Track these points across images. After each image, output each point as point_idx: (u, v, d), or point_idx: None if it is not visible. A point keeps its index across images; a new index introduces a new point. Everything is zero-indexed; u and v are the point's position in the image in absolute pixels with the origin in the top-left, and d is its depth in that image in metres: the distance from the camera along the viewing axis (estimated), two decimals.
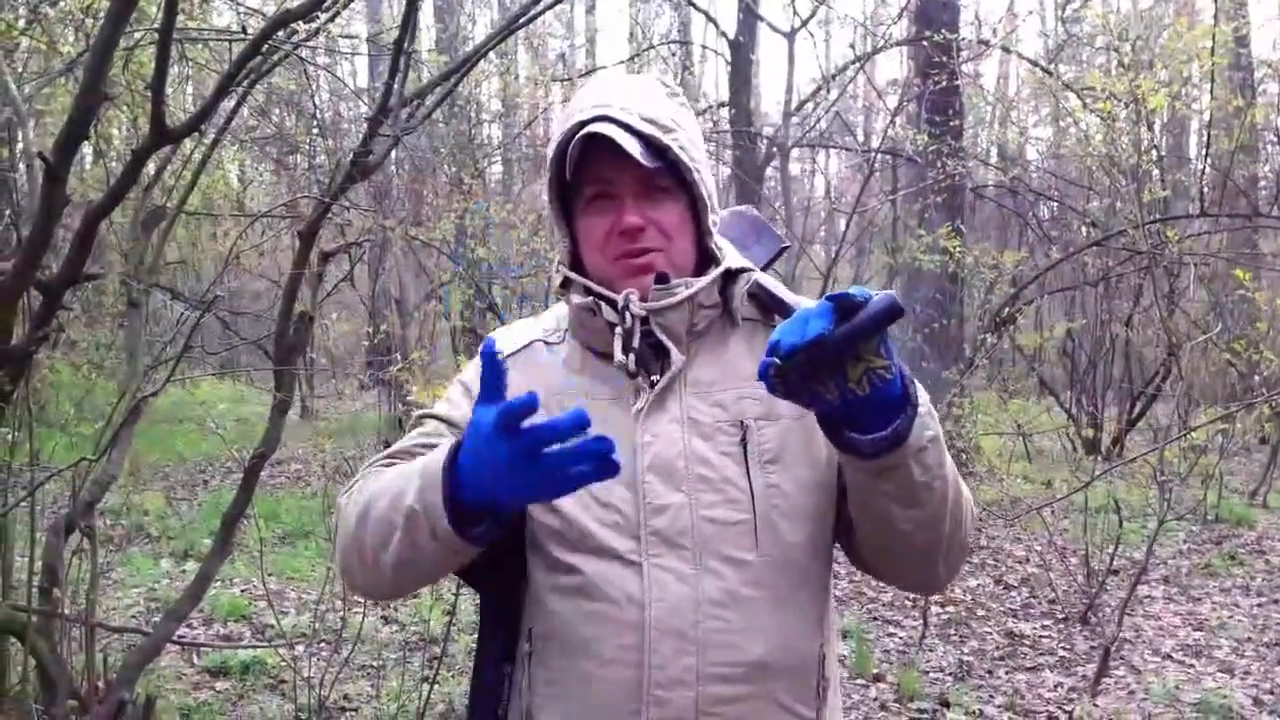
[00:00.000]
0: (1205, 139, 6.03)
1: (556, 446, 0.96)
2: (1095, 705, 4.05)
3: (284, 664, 4.19)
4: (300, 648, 4.39)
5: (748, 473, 1.20)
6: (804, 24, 5.35)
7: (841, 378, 1.00)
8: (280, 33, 2.91)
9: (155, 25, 2.75)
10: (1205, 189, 5.71)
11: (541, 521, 1.22)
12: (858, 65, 6.24)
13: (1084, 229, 7.29)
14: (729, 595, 1.17)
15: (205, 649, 4.55)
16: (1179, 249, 5.69)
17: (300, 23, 2.66)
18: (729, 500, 1.19)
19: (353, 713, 4.01)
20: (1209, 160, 5.89)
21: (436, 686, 4.04)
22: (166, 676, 4.26)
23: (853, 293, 0.98)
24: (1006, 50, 8.07)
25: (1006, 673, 4.50)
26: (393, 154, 7.87)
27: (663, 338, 1.23)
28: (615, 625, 1.17)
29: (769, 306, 1.30)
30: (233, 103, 3.91)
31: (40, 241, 2.18)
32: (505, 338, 1.36)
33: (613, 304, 1.23)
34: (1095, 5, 9.12)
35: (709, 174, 1.29)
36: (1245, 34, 9.71)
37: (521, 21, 3.31)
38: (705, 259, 1.28)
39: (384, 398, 9.37)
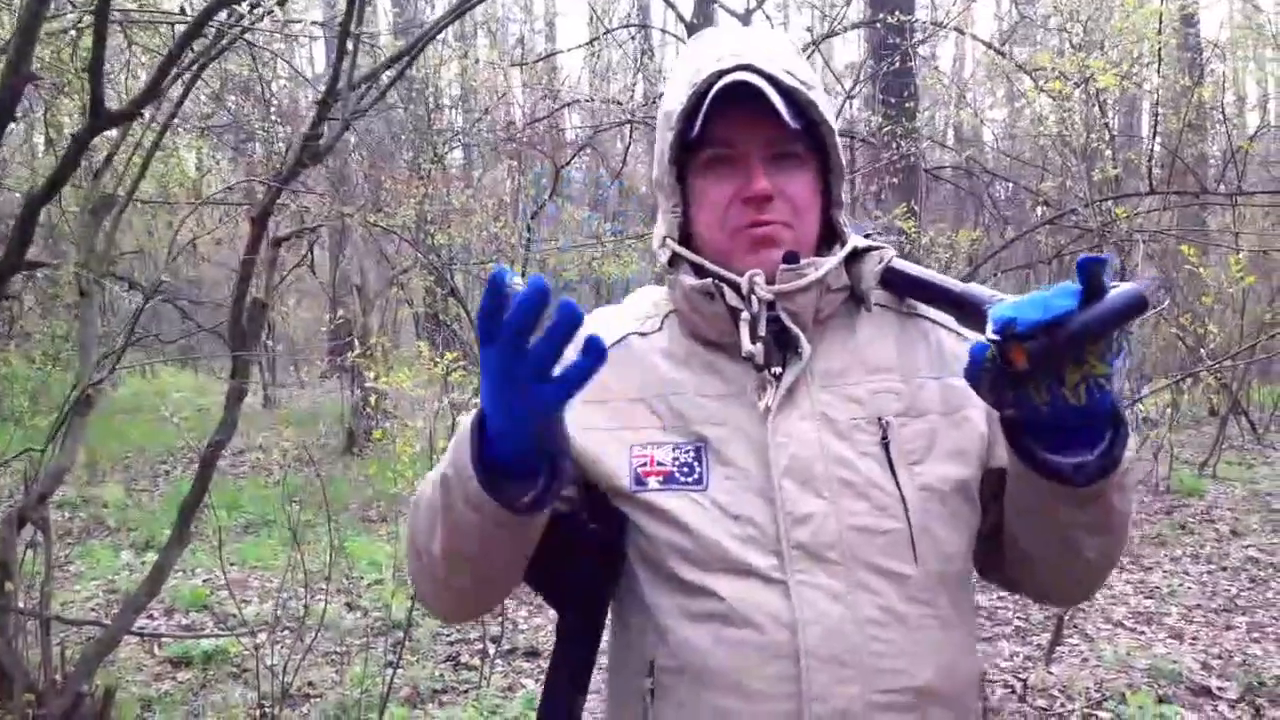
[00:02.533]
0: (1153, 118, 6.14)
1: (538, 336, 0.82)
2: (1050, 673, 4.14)
3: (246, 652, 4.18)
4: (263, 636, 4.38)
5: (894, 475, 1.07)
6: (758, 6, 5.38)
7: (1057, 381, 0.88)
8: (228, 17, 2.89)
9: (91, 7, 2.72)
10: (1154, 167, 5.81)
11: (662, 538, 1.07)
12: (813, 48, 6.27)
13: (1037, 208, 7.39)
14: (888, 613, 1.03)
15: (166, 639, 4.53)
16: (1129, 226, 5.79)
17: (246, 6, 2.64)
18: (878, 507, 1.06)
19: (317, 699, 4.02)
20: (1158, 139, 5.99)
21: (400, 671, 4.05)
22: (127, 668, 4.24)
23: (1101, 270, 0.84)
24: (960, 32, 8.16)
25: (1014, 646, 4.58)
26: (350, 140, 7.81)
27: (790, 325, 1.09)
28: (763, 653, 1.03)
29: (910, 290, 1.15)
30: (182, 87, 3.87)
31: None
32: (593, 330, 1.22)
33: (735, 287, 1.09)
34: None
35: (839, 138, 1.16)
36: (1193, 14, 9.87)
37: (472, 2, 3.29)
38: (828, 235, 1.16)
39: (345, 385, 9.32)
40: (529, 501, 0.93)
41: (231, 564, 5.76)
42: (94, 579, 5.59)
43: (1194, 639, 4.59)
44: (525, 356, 0.81)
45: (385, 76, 3.45)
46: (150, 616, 4.83)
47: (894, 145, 6.66)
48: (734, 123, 1.07)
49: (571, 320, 0.80)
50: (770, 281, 1.08)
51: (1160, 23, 5.43)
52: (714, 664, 1.04)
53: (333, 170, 7.94)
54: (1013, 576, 1.18)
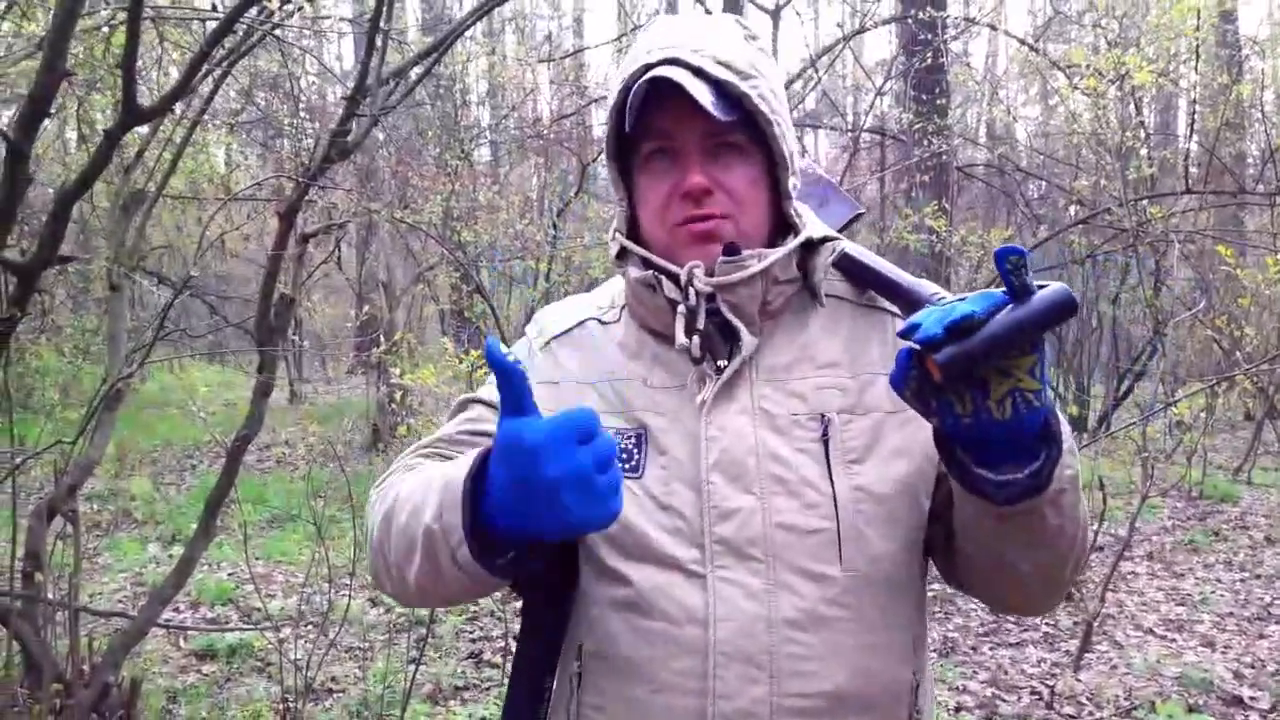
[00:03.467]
0: (1190, 116, 6.05)
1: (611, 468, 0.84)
2: (1078, 680, 4.08)
3: (270, 646, 4.19)
4: (287, 630, 4.40)
5: (829, 473, 1.04)
6: (787, 2, 5.32)
7: (981, 392, 0.83)
8: (258, 14, 2.89)
9: (125, 4, 2.73)
10: (1190, 166, 5.72)
11: None
12: (843, 44, 6.21)
13: (1071, 207, 7.30)
14: (807, 615, 1.01)
15: (192, 632, 4.56)
16: (1164, 226, 5.70)
17: (276, 3, 2.63)
18: (807, 505, 1.03)
19: (339, 694, 4.03)
20: (1195, 137, 5.90)
21: (423, 667, 4.06)
22: (153, 660, 4.27)
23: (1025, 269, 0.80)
24: (993, 28, 8.07)
25: (990, 649, 4.53)
26: (379, 136, 7.84)
27: (731, 317, 1.07)
28: (673, 646, 1.02)
29: (862, 281, 1.13)
30: (212, 84, 3.89)
31: (3, 219, 2.16)
32: (552, 316, 1.21)
33: (674, 279, 1.08)
34: None
35: (791, 129, 1.11)
36: (1232, 10, 9.71)
37: (485, 10, 3.27)
38: (781, 227, 1.12)
39: (371, 381, 9.36)
40: (509, 562, 0.94)
41: (256, 558, 5.80)
42: (121, 571, 5.64)
43: (1226, 647, 4.51)
44: (594, 486, 0.82)
45: (413, 73, 3.44)
46: (176, 609, 4.87)
47: (925, 143, 6.59)
48: (670, 116, 1.05)
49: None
50: (710, 274, 1.06)
51: (1198, 19, 5.33)
52: (628, 653, 1.04)
53: (360, 167, 7.97)
54: (963, 582, 1.14)
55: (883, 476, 1.05)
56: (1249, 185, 6.24)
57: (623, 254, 1.14)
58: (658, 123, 1.05)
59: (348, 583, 4.29)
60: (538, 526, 0.86)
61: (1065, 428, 0.93)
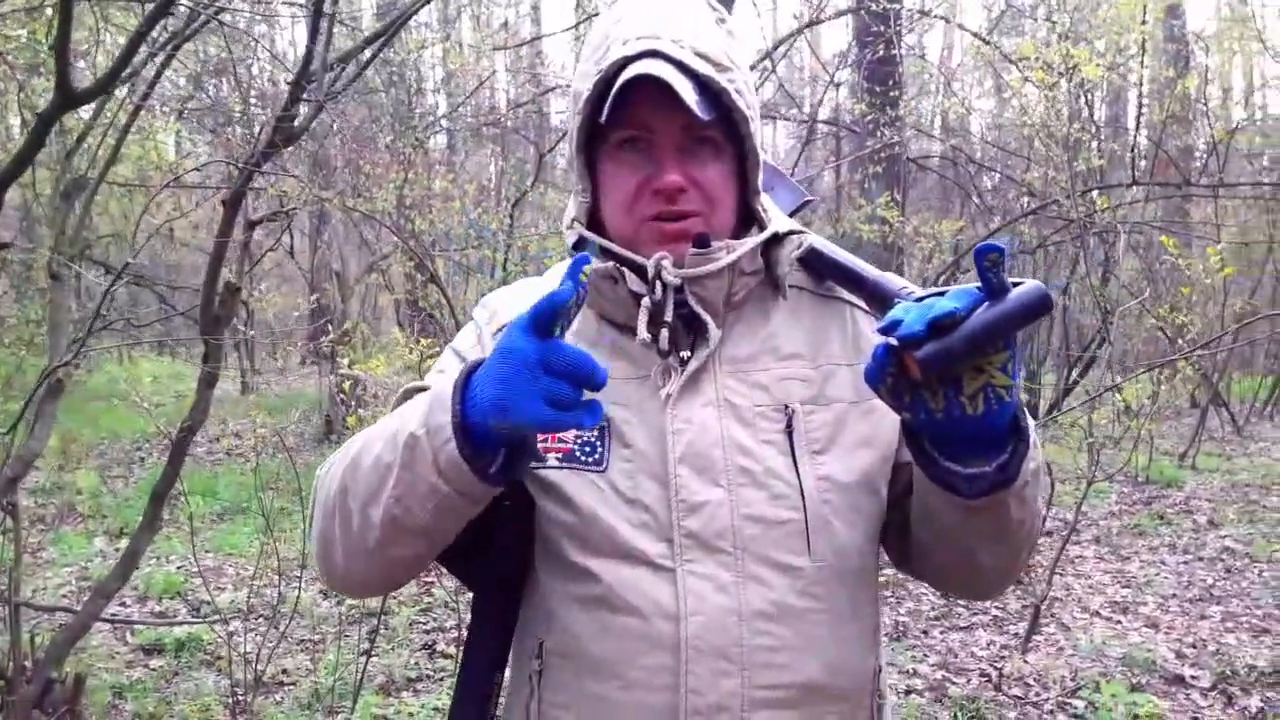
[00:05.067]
0: (1139, 110, 6.15)
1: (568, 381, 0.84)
2: (1026, 662, 4.15)
3: (220, 640, 4.14)
4: (236, 623, 4.34)
5: (795, 464, 1.04)
6: None
7: (955, 388, 0.84)
8: None
9: None
10: (1138, 159, 5.82)
11: (555, 517, 1.05)
12: (796, 34, 6.23)
13: (1022, 199, 7.40)
14: (777, 607, 1.01)
15: (139, 626, 4.49)
16: (1112, 217, 5.80)
17: None
18: (775, 496, 1.03)
19: (290, 687, 3.99)
20: (1141, 130, 6.00)
21: (375, 659, 4.03)
22: (99, 655, 4.20)
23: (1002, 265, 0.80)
24: (946, 20, 8.15)
25: (941, 633, 4.59)
26: (331, 123, 7.73)
27: (698, 309, 1.05)
28: (644, 642, 1.01)
29: (828, 275, 1.12)
30: (155, 68, 3.81)
31: None
32: (504, 300, 1.18)
33: (639, 271, 1.06)
34: None
35: (759, 121, 1.10)
36: (1179, 6, 9.88)
37: None
38: (745, 219, 1.12)
39: (323, 371, 9.25)
40: (496, 470, 0.91)
41: (206, 551, 5.72)
42: (66, 566, 5.53)
43: (1169, 628, 4.61)
44: (561, 378, 0.83)
45: (361, 57, 3.40)
46: (123, 603, 4.78)
47: (878, 134, 6.63)
48: (646, 106, 1.02)
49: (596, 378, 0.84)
50: (679, 265, 1.05)
51: (1144, 14, 5.42)
52: (595, 650, 1.03)
53: (311, 154, 7.86)
54: (915, 569, 1.16)
55: (847, 467, 1.06)
56: (1194, 178, 6.36)
57: (579, 243, 1.12)
58: (634, 113, 1.02)
59: (298, 575, 4.25)
60: (508, 410, 0.84)
61: (1029, 421, 0.93)
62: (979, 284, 0.83)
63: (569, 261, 1.16)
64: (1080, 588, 5.23)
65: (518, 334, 0.85)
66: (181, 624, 4.50)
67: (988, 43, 7.82)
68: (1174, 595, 5.08)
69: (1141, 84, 6.01)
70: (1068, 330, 9.62)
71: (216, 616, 4.02)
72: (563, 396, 0.83)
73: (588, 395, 0.85)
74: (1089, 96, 6.10)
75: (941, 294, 0.86)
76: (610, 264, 1.06)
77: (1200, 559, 5.71)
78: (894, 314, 0.84)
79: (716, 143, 1.05)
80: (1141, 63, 5.73)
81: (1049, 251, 8.59)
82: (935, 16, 7.55)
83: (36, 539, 5.91)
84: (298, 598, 4.07)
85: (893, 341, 0.83)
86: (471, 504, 0.95)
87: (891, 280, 1.06)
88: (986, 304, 0.81)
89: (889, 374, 0.85)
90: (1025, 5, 10.78)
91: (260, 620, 4.41)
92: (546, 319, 0.84)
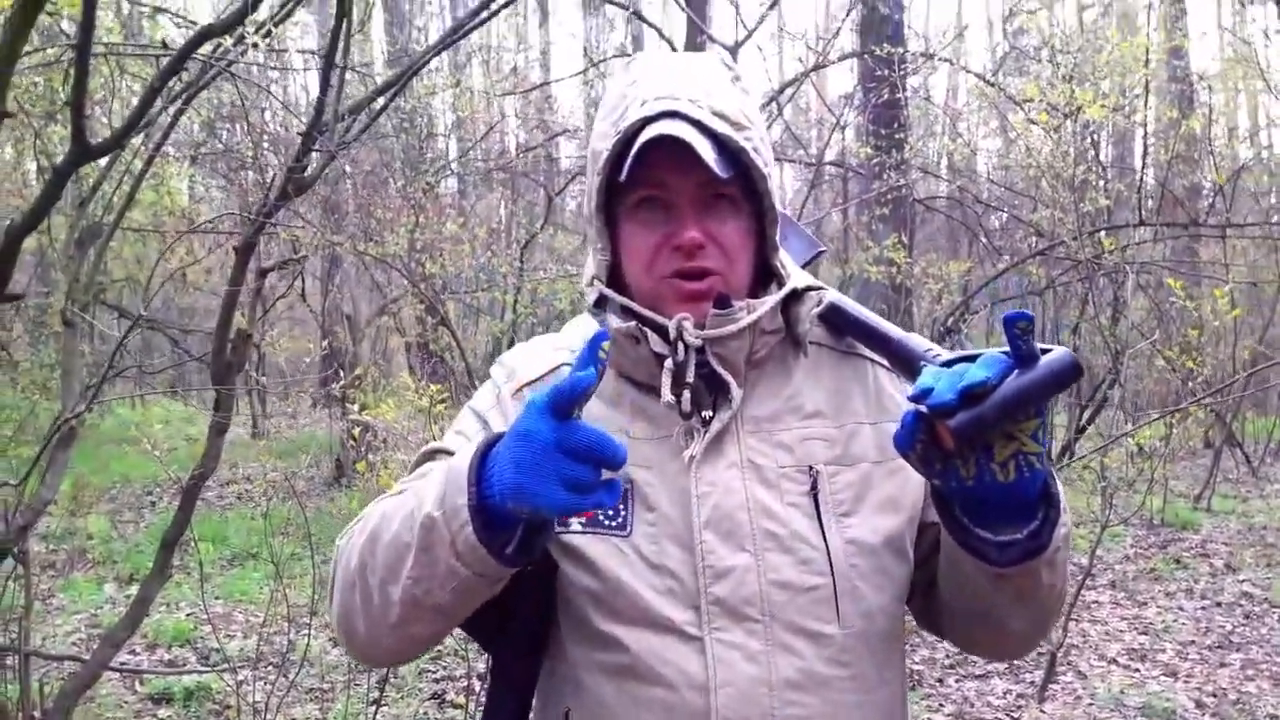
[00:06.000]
0: (1144, 150, 6.19)
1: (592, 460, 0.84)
2: (1042, 712, 4.09)
3: (229, 689, 4.11)
4: (245, 672, 4.31)
5: (821, 527, 1.03)
6: (747, 37, 5.40)
7: (986, 455, 0.84)
8: (213, 50, 2.88)
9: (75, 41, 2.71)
10: (1144, 199, 5.83)
11: (579, 583, 1.03)
12: (800, 79, 6.29)
13: (1029, 239, 7.42)
14: (807, 676, 0.99)
15: (147, 675, 4.46)
16: (1121, 257, 5.80)
17: (230, 40, 2.63)
18: (801, 561, 1.01)
19: None
20: (1149, 170, 6.02)
21: (384, 708, 3.99)
22: (107, 704, 4.17)
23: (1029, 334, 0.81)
24: (950, 63, 8.22)
25: (956, 681, 4.53)
26: (345, 167, 7.82)
27: (720, 370, 1.04)
28: (674, 714, 0.99)
29: (850, 333, 1.12)
30: (170, 117, 3.86)
31: None
32: (522, 360, 1.16)
33: (661, 331, 1.05)
34: (1040, 19, 9.30)
35: (776, 179, 1.11)
36: (1182, 47, 9.95)
37: (455, 37, 3.29)
38: (764, 276, 1.11)
39: (335, 415, 9.27)
40: (514, 550, 0.91)
41: (216, 598, 5.70)
42: (76, 613, 5.51)
43: (1188, 676, 4.54)
44: (581, 462, 0.83)
45: (372, 107, 3.44)
46: (132, 652, 4.75)
47: (884, 176, 6.68)
48: (664, 165, 1.02)
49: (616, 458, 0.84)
50: (700, 326, 1.04)
51: (1146, 56, 5.46)
52: None
53: (324, 199, 7.94)
54: (943, 631, 1.15)
55: (873, 529, 1.04)
56: (1201, 217, 6.37)
57: (601, 301, 1.11)
58: (652, 172, 1.03)
59: (308, 622, 4.23)
60: (527, 495, 0.84)
61: (1059, 487, 0.93)
62: (1006, 349, 0.83)
63: (586, 319, 1.17)
64: (1097, 634, 5.16)
65: (536, 415, 0.84)
66: (190, 673, 4.47)
67: (991, 84, 7.89)
68: (1192, 642, 5.01)
69: (1146, 124, 6.05)
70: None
71: (226, 665, 3.99)
72: (582, 479, 0.83)
73: (606, 474, 0.85)
74: (1094, 137, 6.14)
75: (969, 359, 0.86)
76: (633, 324, 1.06)
77: (1219, 604, 5.63)
78: (924, 381, 0.84)
79: (734, 200, 1.06)
80: (1145, 104, 5.78)
81: (1057, 292, 8.59)
82: (940, 59, 7.62)
83: (46, 585, 5.88)
84: (307, 645, 4.05)
85: (923, 409, 0.83)
86: (491, 584, 0.95)
87: (916, 341, 1.05)
88: (1017, 371, 0.82)
89: (919, 441, 0.85)
90: (1029, 47, 10.88)
91: (270, 668, 4.38)
92: (566, 401, 0.83)
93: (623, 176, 1.02)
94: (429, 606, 0.96)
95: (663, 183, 1.04)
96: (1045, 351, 0.82)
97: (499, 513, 0.88)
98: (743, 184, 1.06)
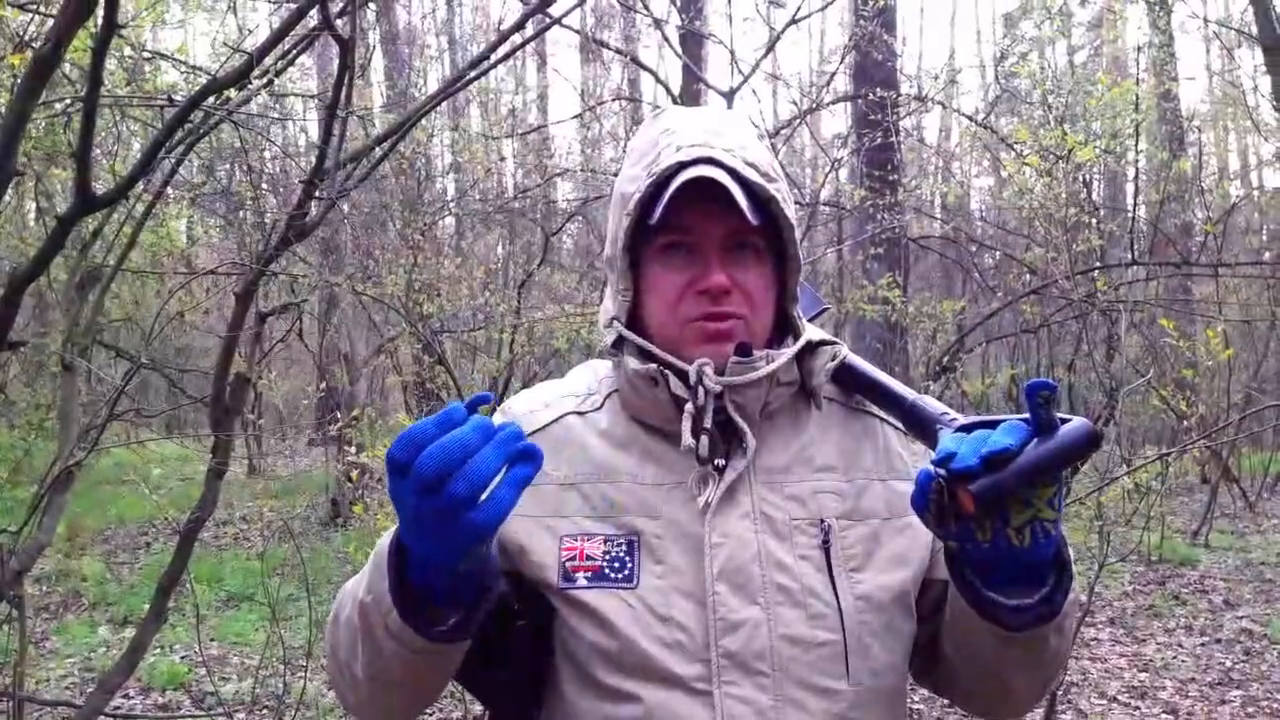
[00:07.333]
0: (1135, 191, 6.27)
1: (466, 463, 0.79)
2: None
3: None
4: (241, 715, 4.28)
5: (832, 582, 1.02)
6: (742, 83, 5.49)
7: (1003, 519, 0.86)
8: (216, 99, 2.93)
9: (81, 94, 2.76)
10: (1137, 239, 5.90)
11: (585, 637, 1.02)
12: (796, 123, 6.38)
13: (1024, 277, 7.49)
14: None
15: None
16: (1114, 296, 5.85)
17: (232, 91, 2.67)
18: (813, 616, 1.01)
19: None
20: (1141, 210, 6.09)
21: None
22: None
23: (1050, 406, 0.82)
24: (943, 105, 8.33)
25: (955, 719, 4.51)
26: (344, 208, 7.87)
27: (736, 418, 1.05)
28: None
29: (862, 391, 1.13)
30: (172, 163, 3.91)
31: None
32: (526, 408, 1.15)
33: (681, 375, 1.06)
34: (1031, 61, 9.45)
35: (800, 231, 1.13)
36: (1172, 91, 10.09)
37: (454, 89, 3.35)
38: (781, 328, 1.13)
39: (331, 455, 9.26)
40: (450, 628, 0.90)
41: (211, 640, 5.66)
42: (70, 656, 5.47)
43: (1189, 714, 4.52)
44: (449, 487, 0.78)
45: (373, 155, 3.49)
46: (126, 696, 4.72)
47: (879, 218, 6.75)
48: (694, 211, 1.04)
49: (509, 440, 0.80)
50: (720, 372, 1.05)
51: (1136, 100, 5.55)
52: None
53: (323, 240, 7.99)
54: (943, 688, 1.16)
55: (883, 585, 1.04)
56: (1193, 256, 6.43)
57: (619, 342, 1.11)
58: (681, 217, 1.04)
59: (304, 664, 4.20)
60: (428, 546, 0.83)
61: (1070, 553, 0.94)
62: (1025, 416, 0.85)
63: (592, 364, 1.19)
64: (1097, 672, 5.14)
65: (393, 482, 0.82)
66: (185, 718, 4.44)
67: (985, 127, 7.99)
68: (1193, 679, 4.99)
69: (1137, 165, 6.13)
70: (1074, 407, 9.61)
71: (221, 709, 3.97)
72: (449, 503, 0.79)
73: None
74: (1086, 178, 6.22)
75: (988, 425, 0.88)
76: (652, 366, 1.06)
77: (1218, 641, 5.62)
78: (946, 445, 0.85)
79: (759, 249, 1.08)
80: (1136, 146, 5.86)
81: (1052, 330, 8.64)
82: (933, 102, 7.73)
83: (41, 628, 5.86)
84: (303, 688, 4.02)
85: (942, 473, 0.85)
86: (439, 657, 0.94)
87: (930, 404, 1.05)
88: (1036, 440, 0.84)
89: (934, 503, 0.86)
90: (1020, 88, 11.03)
91: (265, 711, 4.34)
92: (404, 455, 0.80)
93: (654, 219, 1.03)
94: (392, 683, 0.97)
95: (691, 228, 1.06)
96: (1065, 421, 0.84)
97: (425, 588, 0.88)
98: (767, 235, 1.08)
